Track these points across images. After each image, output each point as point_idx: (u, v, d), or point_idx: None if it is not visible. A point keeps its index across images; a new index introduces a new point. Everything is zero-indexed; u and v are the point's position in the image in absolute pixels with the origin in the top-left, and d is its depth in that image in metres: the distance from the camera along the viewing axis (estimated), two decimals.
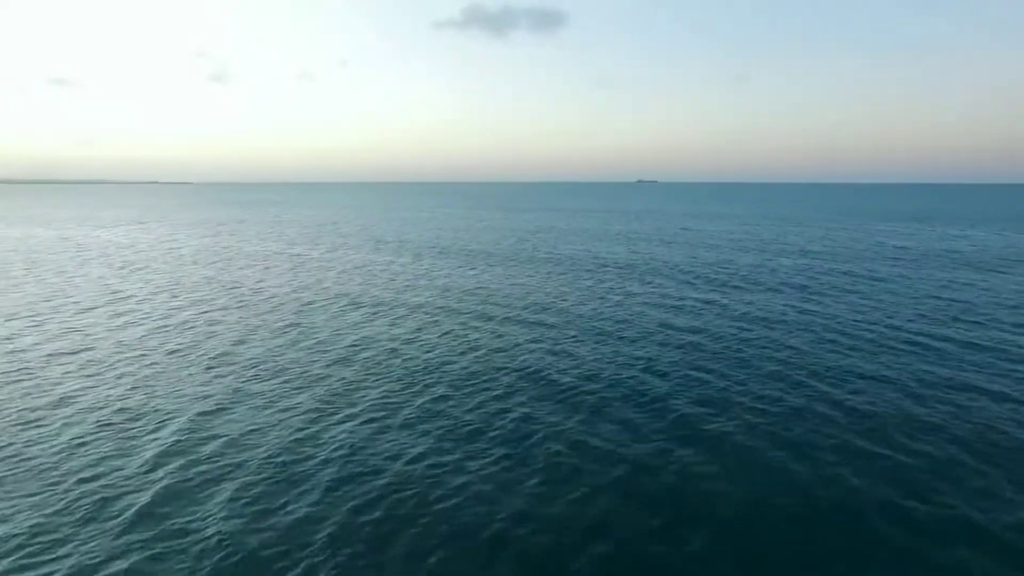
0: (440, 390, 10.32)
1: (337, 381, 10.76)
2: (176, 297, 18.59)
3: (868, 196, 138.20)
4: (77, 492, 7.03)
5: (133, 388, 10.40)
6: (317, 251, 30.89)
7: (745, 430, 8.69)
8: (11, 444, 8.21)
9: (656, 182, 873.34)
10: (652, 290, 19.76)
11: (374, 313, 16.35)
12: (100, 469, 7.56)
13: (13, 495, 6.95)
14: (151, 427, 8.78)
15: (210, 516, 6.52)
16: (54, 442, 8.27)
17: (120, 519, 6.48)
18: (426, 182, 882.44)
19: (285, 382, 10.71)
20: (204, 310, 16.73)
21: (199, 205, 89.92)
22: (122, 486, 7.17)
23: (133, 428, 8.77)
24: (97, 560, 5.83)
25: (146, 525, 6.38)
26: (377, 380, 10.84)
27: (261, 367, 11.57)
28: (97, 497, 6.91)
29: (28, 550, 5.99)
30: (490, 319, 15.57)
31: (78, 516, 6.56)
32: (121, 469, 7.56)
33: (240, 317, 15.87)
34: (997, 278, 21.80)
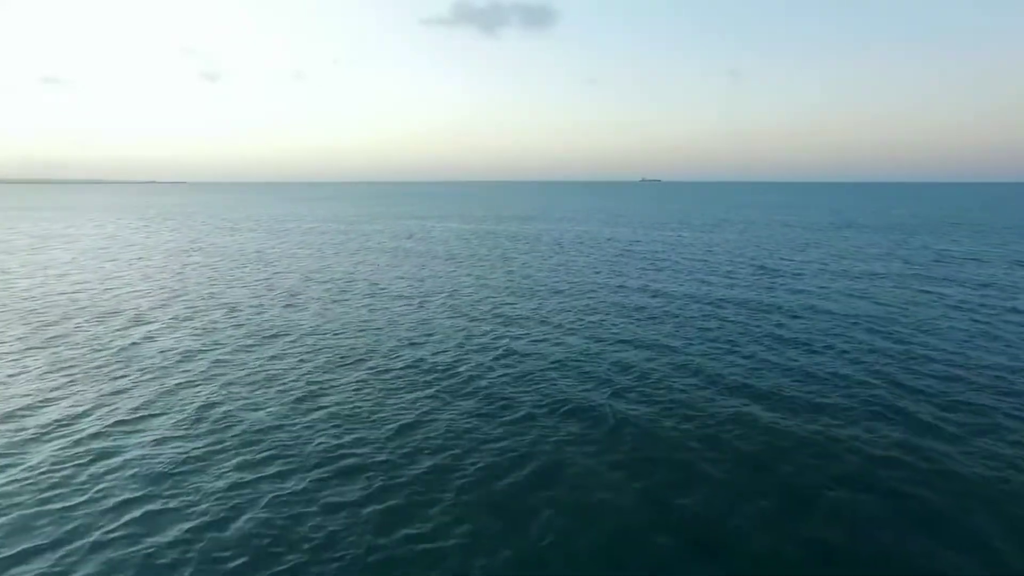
0: None
1: None
2: None
3: (920, 198, 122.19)
4: None
5: None
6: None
7: None
8: None
9: (660, 181, 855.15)
10: None
11: None
12: None
13: None
14: None
15: None
16: None
17: None
18: (423, 181, 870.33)
19: None
20: None
21: (111, 209, 75.99)
22: None
23: None
24: None
25: None
26: None
27: None
28: None
29: None
30: None
31: None
32: None
33: None
34: None
